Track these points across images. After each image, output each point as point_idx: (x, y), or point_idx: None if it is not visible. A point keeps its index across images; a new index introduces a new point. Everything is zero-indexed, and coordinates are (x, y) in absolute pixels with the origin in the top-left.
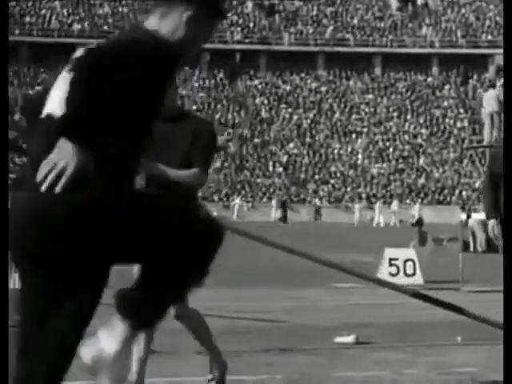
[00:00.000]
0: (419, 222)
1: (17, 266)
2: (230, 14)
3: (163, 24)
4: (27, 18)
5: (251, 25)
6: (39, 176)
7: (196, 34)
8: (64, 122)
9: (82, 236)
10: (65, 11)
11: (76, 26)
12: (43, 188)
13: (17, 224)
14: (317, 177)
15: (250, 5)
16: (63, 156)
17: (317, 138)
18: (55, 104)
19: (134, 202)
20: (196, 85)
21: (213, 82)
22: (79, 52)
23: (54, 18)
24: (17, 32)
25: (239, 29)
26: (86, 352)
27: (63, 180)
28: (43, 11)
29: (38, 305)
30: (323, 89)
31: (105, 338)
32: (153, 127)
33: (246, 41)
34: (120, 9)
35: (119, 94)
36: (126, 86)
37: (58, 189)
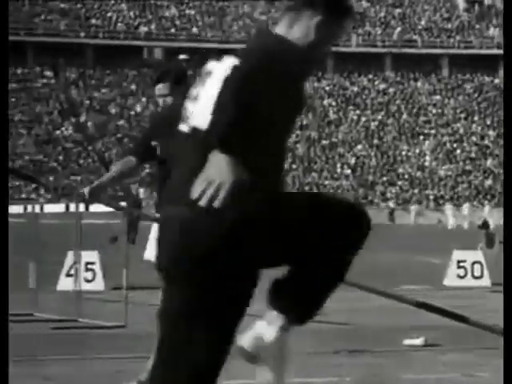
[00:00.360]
0: (485, 225)
1: (170, 279)
2: None
3: (293, 30)
4: (93, 21)
5: None
6: (196, 191)
7: (326, 37)
8: (219, 135)
9: (245, 249)
10: (131, 13)
11: (142, 29)
12: (202, 203)
13: (174, 239)
14: (384, 179)
15: None
16: (219, 170)
17: (384, 139)
18: (201, 118)
19: (282, 208)
20: None
21: None
22: (219, 64)
23: (120, 20)
24: (82, 34)
25: None
26: (246, 339)
27: (222, 195)
28: (109, 14)
29: (190, 318)
30: (391, 90)
31: (264, 327)
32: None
33: None
34: (187, 11)
35: (267, 104)
36: (272, 96)
37: (217, 204)
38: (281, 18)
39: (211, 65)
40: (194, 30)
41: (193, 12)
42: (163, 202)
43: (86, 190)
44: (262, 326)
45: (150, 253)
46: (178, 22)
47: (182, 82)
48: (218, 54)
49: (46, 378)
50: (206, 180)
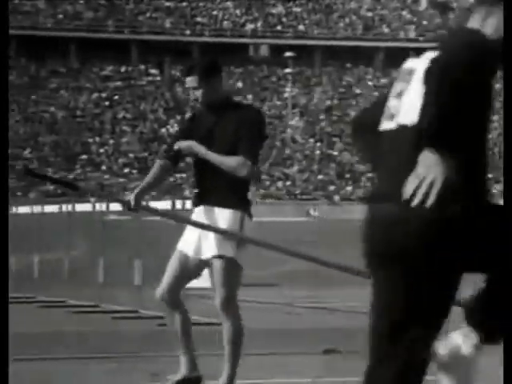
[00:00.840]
0: None
1: (382, 275)
2: (404, 12)
3: (487, 24)
4: (199, 19)
5: (425, 22)
6: (408, 190)
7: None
8: (431, 133)
9: (457, 247)
10: (238, 11)
11: (249, 26)
12: (414, 203)
13: (384, 238)
14: None
15: (423, 2)
16: (430, 169)
17: None
18: (409, 115)
19: (486, 211)
20: (370, 83)
21: (387, 80)
22: (421, 61)
23: (226, 18)
24: (188, 32)
25: (413, 27)
26: (443, 348)
27: (434, 194)
28: (215, 11)
29: (405, 317)
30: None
31: (461, 339)
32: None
33: (420, 39)
34: (294, 8)
35: (470, 100)
36: (473, 92)
37: (429, 203)
38: (472, 13)
39: (412, 62)
40: (301, 27)
41: (299, 9)
42: (373, 199)
43: (131, 198)
44: (459, 338)
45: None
46: (284, 20)
47: (211, 75)
48: (324, 52)
49: (153, 373)
50: (417, 178)
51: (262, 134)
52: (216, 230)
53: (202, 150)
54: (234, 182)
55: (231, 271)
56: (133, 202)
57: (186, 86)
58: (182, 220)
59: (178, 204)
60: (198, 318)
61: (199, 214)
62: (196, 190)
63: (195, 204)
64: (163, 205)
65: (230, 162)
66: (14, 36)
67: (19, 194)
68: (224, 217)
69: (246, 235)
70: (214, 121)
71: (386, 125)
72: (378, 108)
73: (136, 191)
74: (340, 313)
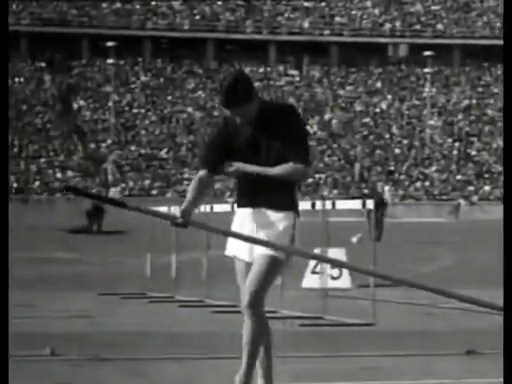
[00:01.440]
0: None
1: None
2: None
3: None
4: (338, 18)
5: None
6: None
7: None
8: None
9: None
10: (376, 10)
11: (387, 25)
12: None
13: None
14: None
15: None
16: None
17: None
18: None
19: None
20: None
21: None
22: None
23: (365, 17)
24: (327, 32)
25: None
26: None
27: None
28: (354, 11)
29: None
30: None
31: None
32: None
33: None
34: (432, 7)
35: None
36: None
37: None
38: None
39: None
40: (439, 26)
41: (438, 7)
42: None
43: (177, 214)
44: None
45: None
46: (423, 19)
47: (246, 102)
48: (463, 51)
49: (295, 373)
50: None
51: (303, 131)
52: (257, 242)
53: (251, 168)
54: (284, 183)
55: (271, 268)
56: (180, 219)
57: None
58: (223, 233)
59: (318, 204)
60: (339, 318)
61: (247, 215)
62: (242, 192)
63: (242, 205)
64: (303, 205)
65: (285, 171)
66: (150, 37)
67: (155, 193)
68: (279, 219)
69: (286, 246)
70: (252, 129)
71: None
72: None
73: (182, 208)
74: (473, 313)
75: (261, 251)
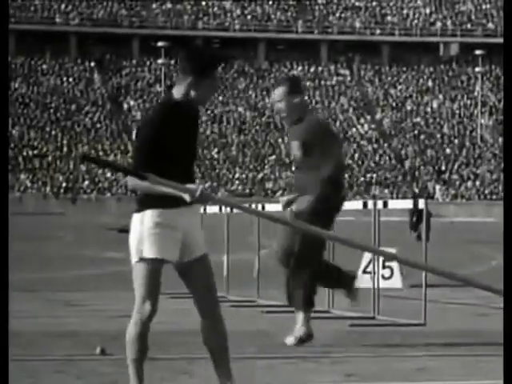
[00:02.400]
0: None
1: None
2: None
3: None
4: (389, 18)
5: None
6: None
7: None
8: None
9: None
10: (427, 10)
11: (438, 24)
12: None
13: None
14: None
15: None
16: None
17: None
18: None
19: None
20: None
21: None
22: None
23: (416, 16)
24: (378, 32)
25: None
26: None
27: None
28: (405, 10)
29: None
30: None
31: None
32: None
33: None
34: (483, 6)
35: None
36: None
37: None
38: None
39: None
40: (490, 25)
41: (488, 6)
42: None
43: (199, 188)
44: None
45: None
46: (473, 17)
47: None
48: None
49: (347, 374)
50: None
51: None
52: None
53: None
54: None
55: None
56: (199, 193)
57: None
58: (252, 212)
59: (370, 204)
60: (390, 318)
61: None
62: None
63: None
64: (355, 205)
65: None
66: (201, 37)
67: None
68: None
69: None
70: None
71: None
72: None
73: (206, 185)
74: None
75: (200, 252)
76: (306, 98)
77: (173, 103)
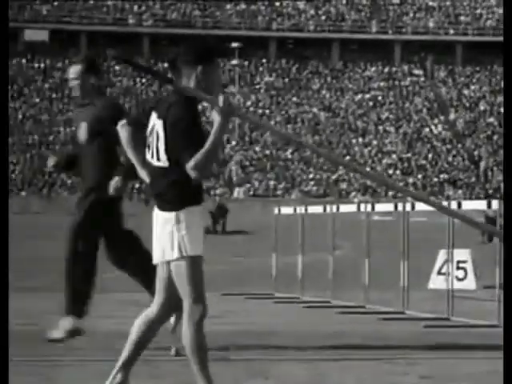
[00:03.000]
0: None
1: None
2: None
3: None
4: (462, 18)
5: None
6: None
7: None
8: None
9: None
10: (501, 10)
11: None
12: None
13: None
14: None
15: None
16: None
17: None
18: None
19: None
20: None
21: None
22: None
23: (489, 16)
24: (451, 32)
25: None
26: None
27: None
28: (478, 10)
29: None
30: None
31: None
32: None
33: None
34: None
35: None
36: None
37: None
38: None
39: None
40: None
41: None
42: None
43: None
44: None
45: None
46: None
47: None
48: None
49: (421, 376)
50: None
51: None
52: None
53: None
54: None
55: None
56: (226, 102)
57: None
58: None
59: (444, 205)
60: (465, 319)
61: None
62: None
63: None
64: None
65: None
66: (275, 38)
67: (279, 193)
68: None
69: None
70: None
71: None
72: None
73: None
74: None
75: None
76: (380, 98)
77: (193, 97)
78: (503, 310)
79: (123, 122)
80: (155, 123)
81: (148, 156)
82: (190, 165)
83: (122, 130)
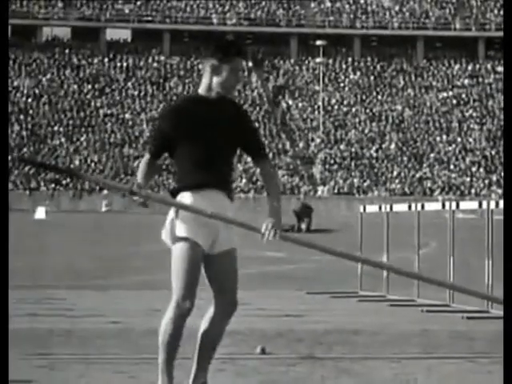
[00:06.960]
0: None
1: None
2: None
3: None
4: (487, 15)
5: None
6: None
7: None
8: None
9: None
10: None
11: None
12: None
13: None
14: None
15: None
16: None
17: None
18: None
19: None
20: None
21: None
22: None
23: None
24: (473, 29)
25: None
26: None
27: None
28: None
29: None
30: None
31: None
32: None
33: None
34: None
35: None
36: None
37: None
38: None
39: None
40: None
41: None
42: None
43: (133, 187)
44: None
45: None
46: None
47: None
48: None
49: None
50: None
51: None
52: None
53: None
54: None
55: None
56: (136, 189)
57: None
58: (185, 208)
59: None
60: None
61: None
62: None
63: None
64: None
65: None
66: (359, 35)
67: (364, 191)
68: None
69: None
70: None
71: None
72: None
73: (137, 182)
74: None
75: (228, 246)
76: (464, 95)
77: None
78: (503, 312)
79: None
80: None
81: None
82: None
83: None
